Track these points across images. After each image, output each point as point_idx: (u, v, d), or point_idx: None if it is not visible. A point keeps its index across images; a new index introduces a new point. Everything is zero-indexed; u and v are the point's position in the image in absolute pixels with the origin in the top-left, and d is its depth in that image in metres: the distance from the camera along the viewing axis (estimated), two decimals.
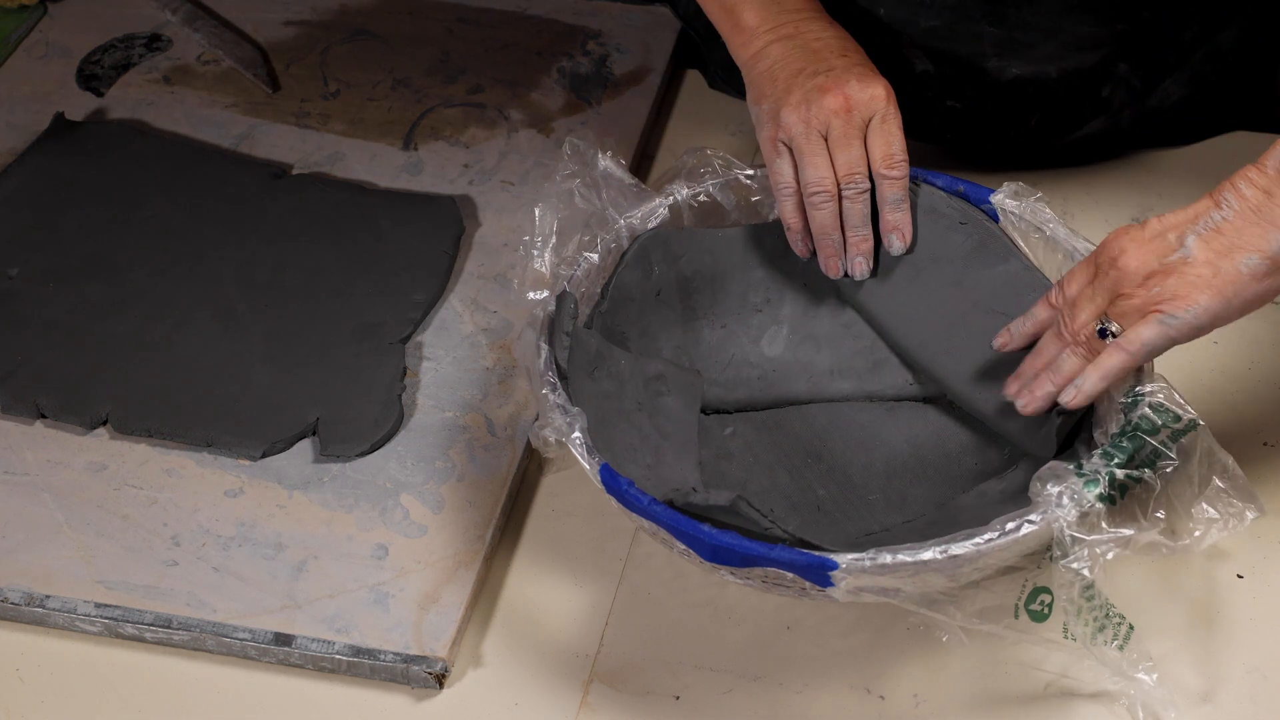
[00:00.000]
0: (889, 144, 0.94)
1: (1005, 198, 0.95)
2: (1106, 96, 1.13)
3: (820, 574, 0.79)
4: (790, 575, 0.80)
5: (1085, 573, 0.78)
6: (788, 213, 0.96)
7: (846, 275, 0.97)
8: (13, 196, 1.16)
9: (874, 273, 0.97)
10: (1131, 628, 0.81)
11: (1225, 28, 1.11)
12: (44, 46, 1.32)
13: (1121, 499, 0.80)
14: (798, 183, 0.96)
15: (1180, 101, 1.13)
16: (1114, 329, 0.83)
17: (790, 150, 0.95)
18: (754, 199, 1.00)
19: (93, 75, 1.29)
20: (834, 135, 0.94)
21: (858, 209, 0.95)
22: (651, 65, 1.27)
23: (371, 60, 1.29)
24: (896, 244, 0.96)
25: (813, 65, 0.96)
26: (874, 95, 0.94)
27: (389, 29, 1.32)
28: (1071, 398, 0.85)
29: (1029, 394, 0.88)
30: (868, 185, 0.95)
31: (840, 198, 0.95)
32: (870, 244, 0.96)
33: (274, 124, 1.23)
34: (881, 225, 0.96)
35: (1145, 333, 0.82)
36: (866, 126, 0.94)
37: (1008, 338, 0.92)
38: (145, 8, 1.34)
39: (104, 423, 1.01)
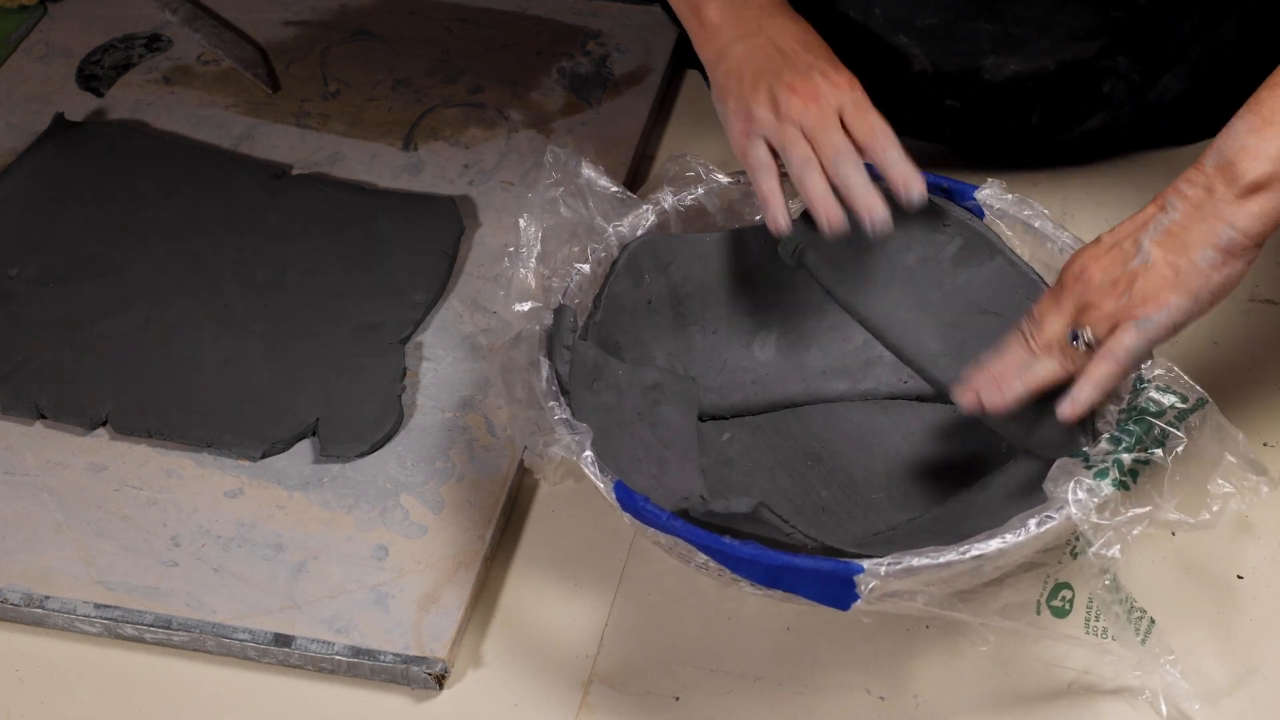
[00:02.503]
0: (868, 122, 0.93)
1: (989, 194, 0.96)
2: (1107, 92, 1.13)
3: (845, 586, 0.78)
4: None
5: (1115, 554, 0.78)
6: (765, 187, 0.94)
7: (859, 232, 0.93)
8: (13, 196, 1.16)
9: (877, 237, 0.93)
10: (1153, 621, 0.81)
11: (1225, 21, 1.11)
12: (44, 46, 1.32)
13: (1134, 482, 0.80)
14: (775, 162, 0.95)
15: (1180, 96, 1.13)
16: (1087, 335, 0.85)
17: (764, 139, 0.95)
18: (737, 203, 1.00)
19: (93, 75, 1.29)
20: (809, 127, 0.93)
21: (857, 176, 0.92)
22: (651, 65, 1.27)
23: (371, 60, 1.29)
24: (915, 191, 0.92)
25: (776, 63, 0.95)
26: (838, 85, 0.94)
27: (389, 29, 1.32)
28: (1069, 410, 0.85)
29: (996, 389, 0.87)
30: (858, 155, 0.93)
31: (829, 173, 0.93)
32: (880, 197, 0.92)
33: (274, 124, 1.23)
34: (892, 184, 0.92)
35: (1127, 340, 0.84)
36: (840, 116, 0.94)
37: (976, 392, 0.88)
38: (145, 8, 1.34)
39: (104, 423, 1.01)
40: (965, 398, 0.88)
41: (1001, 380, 0.87)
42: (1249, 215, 0.83)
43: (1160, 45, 1.11)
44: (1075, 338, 0.85)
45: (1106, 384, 0.85)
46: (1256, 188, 0.83)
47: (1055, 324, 0.86)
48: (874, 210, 0.91)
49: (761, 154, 0.95)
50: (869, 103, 0.94)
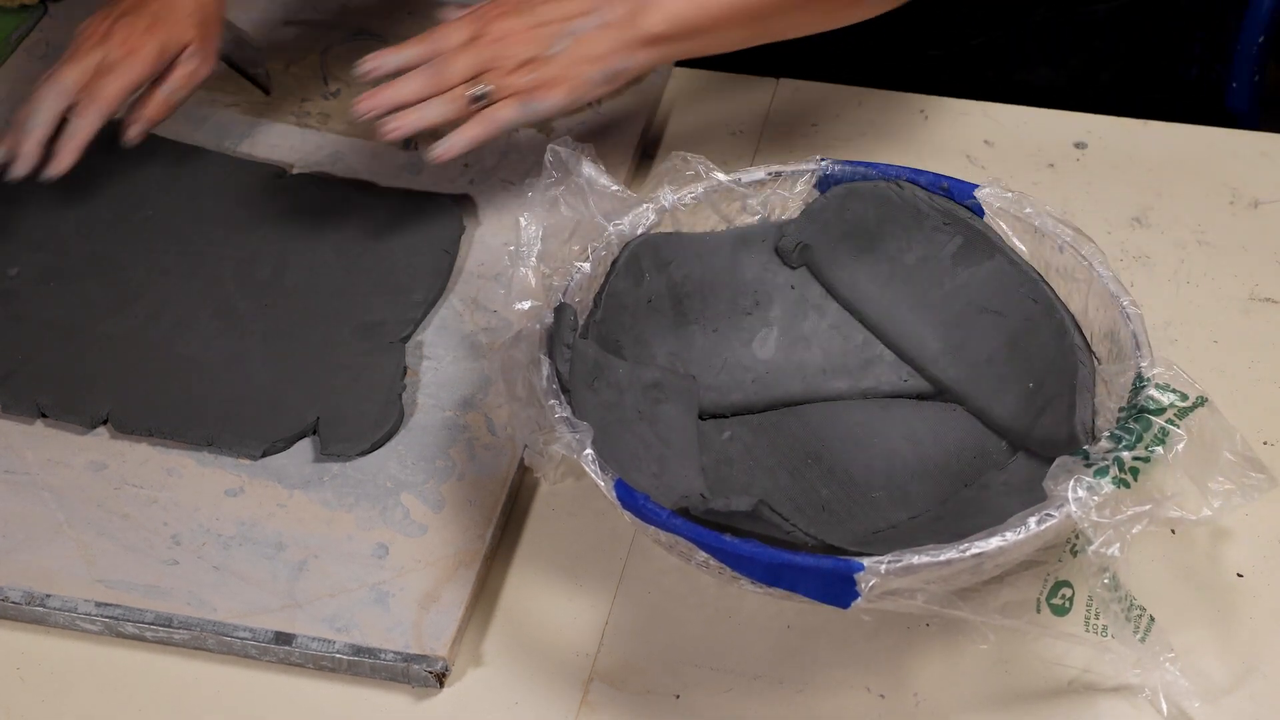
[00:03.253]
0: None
1: (989, 193, 0.96)
2: None
3: (845, 584, 0.78)
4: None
5: (1115, 552, 0.78)
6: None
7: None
8: (13, 196, 1.16)
9: None
10: (1152, 619, 0.81)
11: None
12: (44, 46, 1.32)
13: (1134, 480, 0.80)
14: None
15: None
16: (482, 92, 0.98)
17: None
18: (737, 201, 1.00)
19: None
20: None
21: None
22: None
23: None
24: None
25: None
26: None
27: (389, 29, 1.32)
28: (440, 152, 0.99)
29: (398, 121, 0.99)
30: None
31: None
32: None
33: (274, 124, 1.23)
34: None
35: (507, 113, 0.99)
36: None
37: (377, 63, 1.01)
38: None
39: (104, 422, 1.01)
40: (360, 106, 1.00)
41: (403, 114, 0.99)
42: (644, 59, 1.00)
43: None
44: (476, 99, 0.98)
45: (474, 143, 0.99)
46: (655, 40, 0.98)
47: (463, 68, 0.98)
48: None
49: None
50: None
